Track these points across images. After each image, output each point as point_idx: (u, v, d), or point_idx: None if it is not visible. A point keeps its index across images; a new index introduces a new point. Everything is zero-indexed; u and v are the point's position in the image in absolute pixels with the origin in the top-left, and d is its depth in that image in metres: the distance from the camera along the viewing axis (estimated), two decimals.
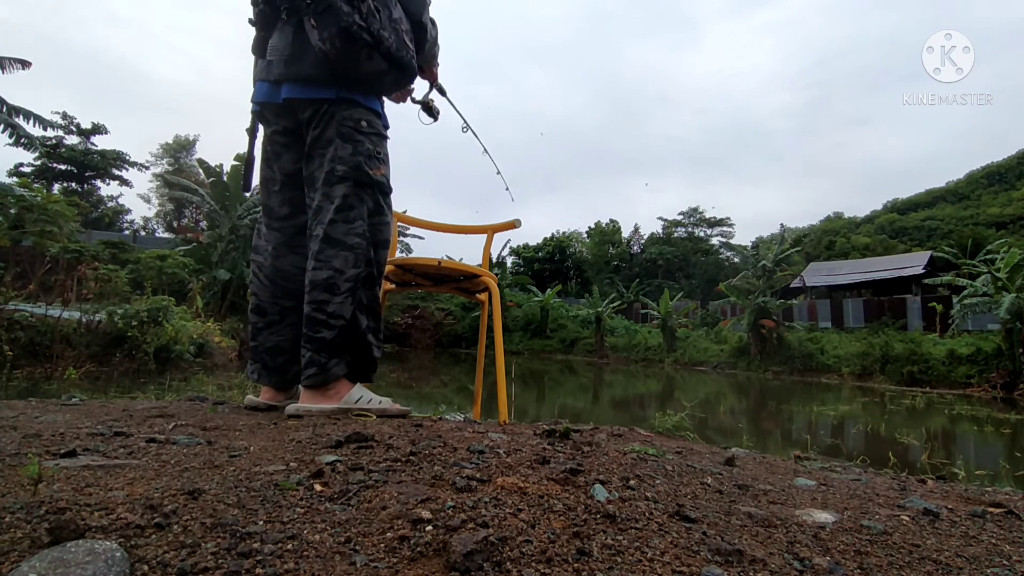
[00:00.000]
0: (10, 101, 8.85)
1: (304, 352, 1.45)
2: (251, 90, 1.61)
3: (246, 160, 1.66)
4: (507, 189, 2.43)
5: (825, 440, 5.91)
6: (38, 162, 23.59)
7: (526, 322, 23.64)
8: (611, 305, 21.57)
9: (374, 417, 1.42)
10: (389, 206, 1.61)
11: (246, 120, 1.61)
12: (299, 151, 1.57)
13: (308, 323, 1.45)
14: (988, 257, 12.31)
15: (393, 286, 2.04)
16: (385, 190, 1.58)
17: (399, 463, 0.88)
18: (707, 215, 42.16)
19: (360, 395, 1.49)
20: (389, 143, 1.65)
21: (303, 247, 1.57)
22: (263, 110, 1.58)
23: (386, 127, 1.64)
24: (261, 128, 1.63)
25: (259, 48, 1.59)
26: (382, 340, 1.60)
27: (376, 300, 1.56)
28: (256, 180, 1.69)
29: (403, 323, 22.29)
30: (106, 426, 1.17)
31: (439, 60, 1.88)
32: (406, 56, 1.53)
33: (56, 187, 24.71)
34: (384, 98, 1.68)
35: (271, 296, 1.59)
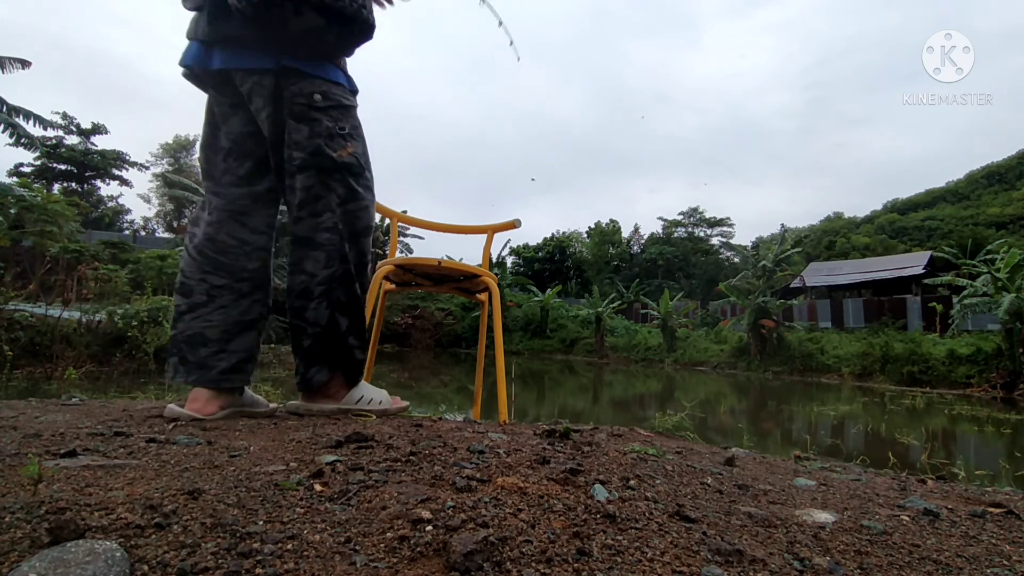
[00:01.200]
0: (10, 101, 8.86)
1: (295, 360, 1.38)
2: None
3: None
4: (512, 44, 2.12)
5: (825, 440, 5.91)
6: (38, 162, 23.62)
7: (526, 322, 23.65)
8: (611, 305, 21.57)
9: (373, 417, 1.40)
10: (367, 187, 1.39)
11: None
12: (247, 114, 1.36)
13: (292, 331, 1.37)
14: (988, 257, 12.32)
15: (393, 286, 2.04)
16: (356, 171, 1.36)
17: (399, 463, 0.88)
18: (707, 215, 42.19)
19: (361, 394, 1.42)
20: (361, 111, 1.41)
21: (247, 218, 1.38)
22: (199, 75, 1.36)
23: (354, 92, 1.41)
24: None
25: None
26: (367, 339, 1.45)
27: (355, 297, 1.38)
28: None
29: (403, 323, 22.30)
30: (106, 426, 1.17)
31: None
32: (349, 7, 1.27)
33: (56, 187, 24.72)
34: (342, 59, 1.42)
35: (198, 271, 1.34)
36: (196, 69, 1.34)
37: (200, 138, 1.44)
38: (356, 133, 1.38)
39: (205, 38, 1.29)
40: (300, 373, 1.36)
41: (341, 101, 1.36)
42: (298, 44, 1.28)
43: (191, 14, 1.36)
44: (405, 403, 1.52)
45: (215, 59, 1.30)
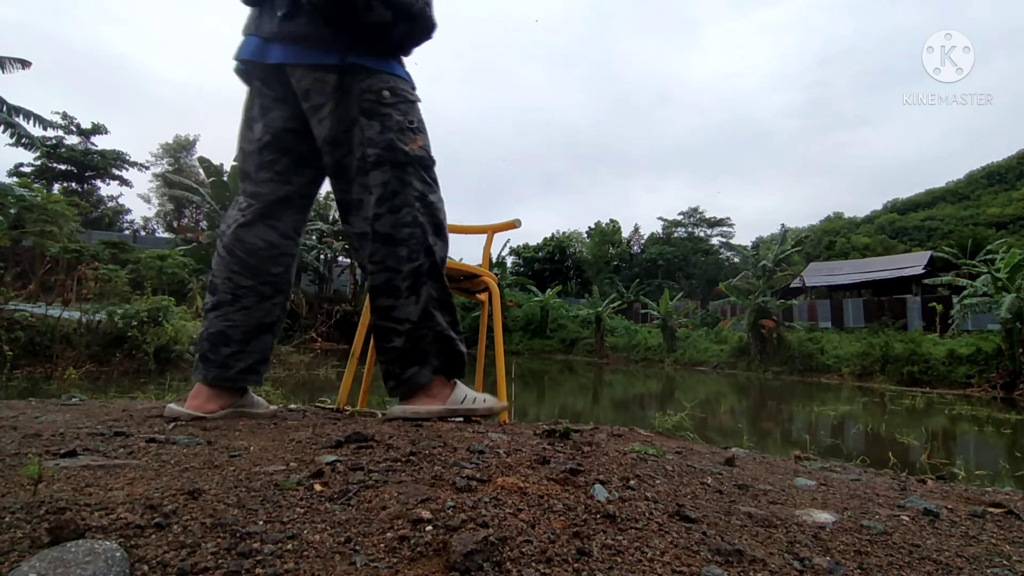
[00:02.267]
0: (10, 101, 8.86)
1: (381, 364, 1.34)
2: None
3: None
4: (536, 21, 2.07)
5: (825, 440, 5.91)
6: (38, 162, 23.60)
7: (526, 322, 23.64)
8: (611, 305, 21.57)
9: (481, 421, 1.33)
10: (436, 180, 1.38)
11: None
12: (289, 110, 1.36)
13: (377, 333, 1.32)
14: (988, 257, 12.32)
15: None
16: (427, 164, 1.36)
17: (399, 463, 0.88)
18: (707, 215, 42.20)
19: (464, 394, 1.36)
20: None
21: (277, 220, 1.39)
22: (249, 69, 1.36)
23: (413, 88, 1.41)
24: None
25: None
26: (461, 333, 1.40)
27: (447, 291, 1.36)
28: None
29: None
30: (106, 426, 1.17)
31: None
32: (416, 3, 1.28)
33: (56, 187, 24.71)
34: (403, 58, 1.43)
35: (225, 271, 1.35)
36: (250, 63, 1.33)
37: (238, 133, 1.43)
38: (423, 127, 1.38)
39: (266, 34, 1.29)
40: (395, 376, 1.31)
41: (407, 96, 1.36)
42: (363, 41, 1.29)
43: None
44: (504, 403, 1.47)
45: (273, 54, 1.29)
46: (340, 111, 1.30)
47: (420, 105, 1.41)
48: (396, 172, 1.30)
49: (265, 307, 1.38)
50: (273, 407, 1.50)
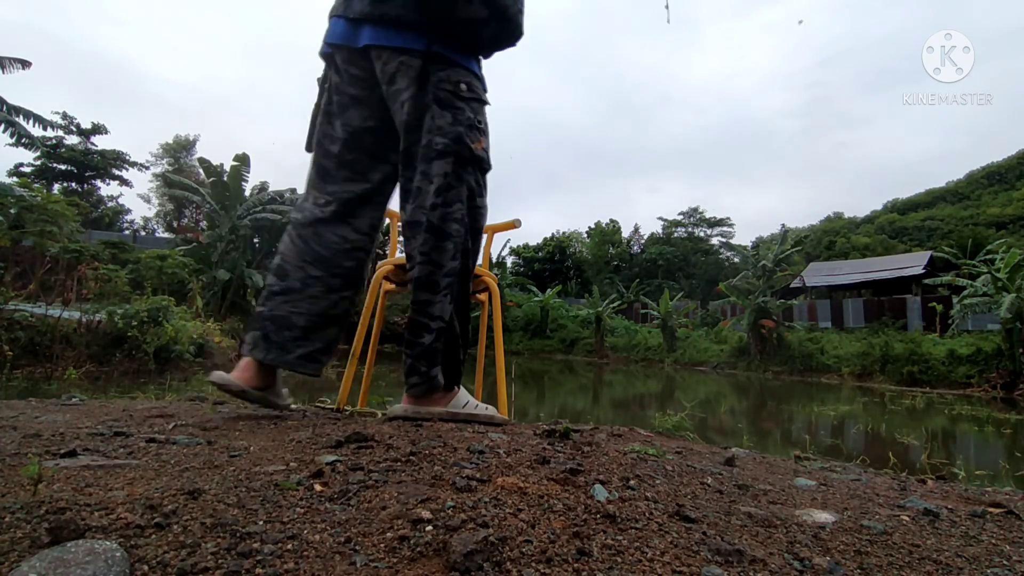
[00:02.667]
0: (10, 101, 8.86)
1: (405, 357, 1.32)
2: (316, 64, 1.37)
3: (314, 114, 1.44)
4: (667, 7, 2.09)
5: (825, 440, 5.91)
6: (38, 162, 23.60)
7: (526, 322, 23.64)
8: (611, 305, 21.57)
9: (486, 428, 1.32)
10: (486, 186, 1.39)
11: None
12: (371, 106, 1.36)
13: (410, 326, 1.31)
14: (988, 257, 12.32)
15: (393, 286, 2.04)
16: (484, 167, 1.36)
17: (399, 463, 0.88)
18: (707, 215, 42.20)
19: (467, 400, 1.37)
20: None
21: (355, 218, 1.39)
22: (335, 53, 1.35)
23: (485, 91, 1.41)
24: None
25: None
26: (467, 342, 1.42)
27: (468, 298, 1.38)
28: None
29: (403, 323, 22.24)
30: (106, 426, 1.17)
31: None
32: (512, 7, 1.29)
33: (56, 187, 24.70)
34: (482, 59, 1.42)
35: (298, 258, 1.37)
36: (336, 47, 1.32)
37: (317, 129, 1.42)
38: (487, 130, 1.38)
39: (357, 15, 1.28)
40: (419, 372, 1.30)
41: (480, 95, 1.37)
42: (453, 33, 1.29)
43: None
44: (505, 416, 1.47)
45: (363, 36, 1.28)
46: (418, 97, 1.29)
47: (488, 109, 1.42)
48: (457, 166, 1.30)
49: (332, 299, 1.38)
50: (293, 403, 1.51)
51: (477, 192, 1.35)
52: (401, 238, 1.42)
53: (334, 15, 1.34)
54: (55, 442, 0.98)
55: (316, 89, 1.46)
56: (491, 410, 1.41)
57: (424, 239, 1.29)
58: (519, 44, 1.41)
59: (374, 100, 1.35)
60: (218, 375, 1.31)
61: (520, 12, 1.33)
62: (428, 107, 1.29)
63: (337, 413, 1.65)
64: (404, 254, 1.38)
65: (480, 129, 1.34)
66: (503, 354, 1.97)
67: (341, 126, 1.37)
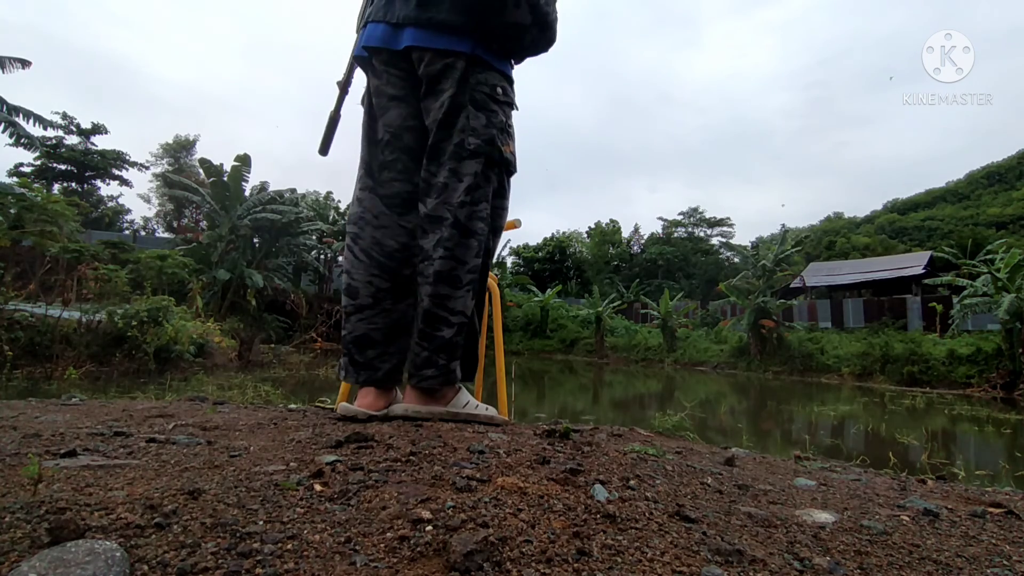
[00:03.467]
0: (10, 101, 8.86)
1: (419, 351, 1.31)
2: (345, 56, 1.38)
3: (331, 118, 1.44)
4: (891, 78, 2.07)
5: (825, 440, 5.91)
6: (38, 162, 23.60)
7: (526, 322, 23.64)
8: (611, 305, 21.57)
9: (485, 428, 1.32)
10: (510, 188, 1.41)
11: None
12: (411, 106, 1.37)
13: (427, 319, 1.31)
14: (988, 257, 12.31)
15: None
16: (512, 170, 1.39)
17: (399, 463, 0.88)
18: (707, 215, 42.20)
19: (467, 400, 1.37)
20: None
21: (408, 221, 1.39)
22: (373, 57, 1.35)
23: (514, 95, 1.43)
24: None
25: None
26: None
27: (483, 296, 1.39)
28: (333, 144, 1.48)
29: None
30: (106, 426, 1.17)
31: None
32: (552, 14, 1.33)
33: (56, 187, 24.70)
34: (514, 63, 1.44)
35: (365, 274, 1.36)
36: (375, 51, 1.33)
37: (362, 132, 1.44)
38: (514, 135, 1.41)
39: (398, 19, 1.29)
40: (436, 364, 1.30)
41: (512, 100, 1.40)
42: (495, 37, 1.32)
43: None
44: (505, 416, 1.48)
45: (405, 38, 1.29)
46: (456, 97, 1.31)
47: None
48: (486, 167, 1.32)
49: (401, 308, 1.39)
50: (407, 405, 1.52)
51: (499, 193, 1.37)
52: None
53: (372, 19, 1.34)
54: (55, 442, 0.98)
55: (332, 92, 1.46)
56: (491, 411, 1.41)
57: (449, 234, 1.29)
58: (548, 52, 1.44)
59: (413, 100, 1.36)
60: (344, 407, 1.34)
61: (556, 20, 1.36)
62: (463, 107, 1.31)
63: (336, 415, 1.65)
64: (419, 245, 1.37)
65: (510, 133, 1.37)
66: (503, 354, 1.97)
67: (383, 127, 1.38)
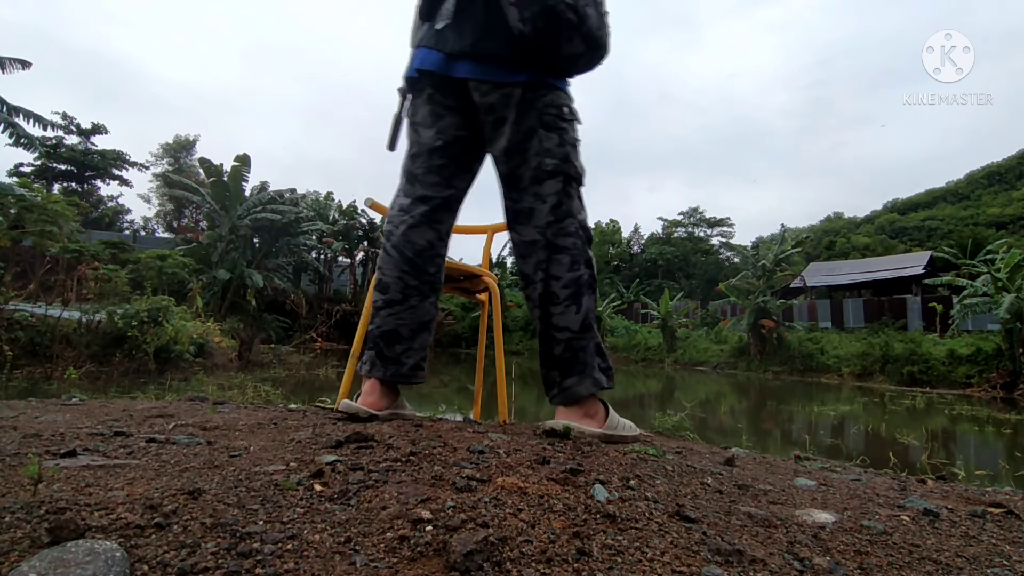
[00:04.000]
0: (10, 101, 8.86)
1: (544, 372, 1.35)
2: (404, 69, 1.41)
3: (396, 118, 1.46)
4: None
5: (825, 440, 5.91)
6: (38, 162, 23.57)
7: (526, 322, 23.61)
8: (611, 305, 21.57)
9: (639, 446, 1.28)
10: (583, 199, 1.43)
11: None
12: (461, 117, 1.39)
13: (541, 339, 1.35)
14: (988, 257, 12.32)
15: None
16: (583, 183, 1.41)
17: (399, 463, 0.88)
18: (707, 215, 42.19)
19: (618, 420, 1.36)
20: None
21: (439, 223, 1.42)
22: (424, 79, 1.38)
23: None
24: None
25: (427, 9, 1.36)
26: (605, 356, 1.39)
27: (595, 309, 1.38)
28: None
29: None
30: (106, 426, 1.17)
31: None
32: (604, 36, 1.35)
33: (56, 187, 24.69)
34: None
35: (395, 270, 1.40)
36: (428, 74, 1.35)
37: (407, 139, 1.46)
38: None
39: (452, 50, 1.31)
40: (555, 384, 1.32)
41: (577, 116, 1.42)
42: (552, 65, 1.34)
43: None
44: (639, 430, 1.47)
45: (460, 69, 1.32)
46: (520, 123, 1.33)
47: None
48: (565, 184, 1.35)
49: (425, 306, 1.42)
50: (419, 414, 1.50)
51: (581, 207, 1.40)
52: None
53: (423, 46, 1.36)
54: (55, 442, 0.98)
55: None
56: (635, 429, 1.40)
57: (543, 256, 1.32)
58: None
59: (466, 113, 1.39)
60: (346, 404, 1.34)
61: (609, 35, 1.37)
62: (534, 131, 1.33)
63: (337, 413, 1.65)
64: (522, 272, 1.40)
65: (578, 149, 1.40)
66: (503, 354, 1.97)
67: (435, 134, 1.40)
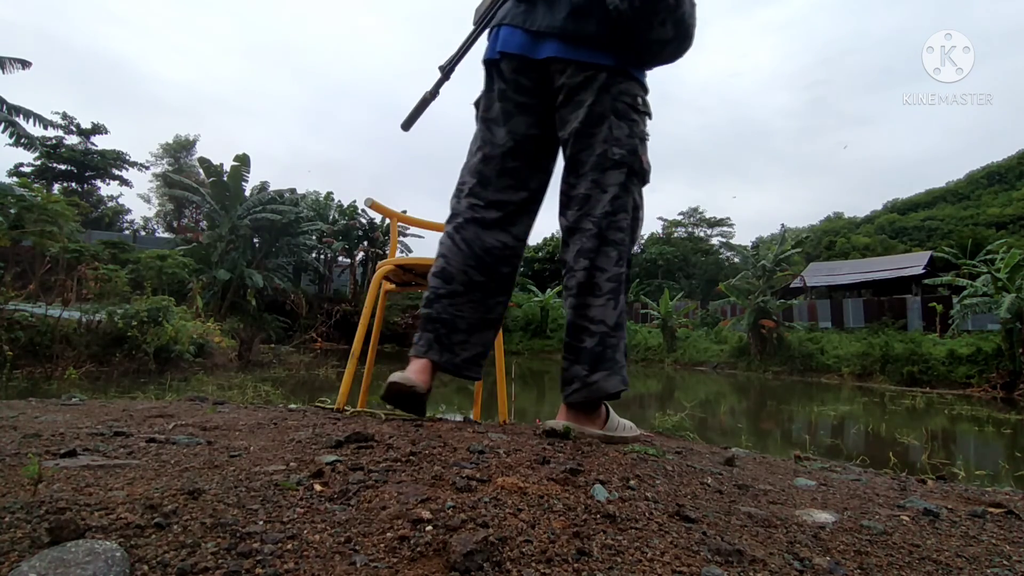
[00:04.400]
0: (10, 101, 8.86)
1: (567, 365, 1.30)
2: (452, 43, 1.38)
3: (424, 98, 1.44)
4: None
5: (825, 440, 5.91)
6: (38, 162, 23.56)
7: (526, 322, 23.64)
8: None
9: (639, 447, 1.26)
10: (643, 197, 1.40)
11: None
12: (537, 114, 1.36)
13: (571, 331, 1.30)
14: (988, 257, 12.32)
15: (393, 286, 2.04)
16: (647, 180, 1.38)
17: (399, 463, 0.88)
18: (707, 215, 42.19)
19: (618, 420, 1.35)
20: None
21: (513, 226, 1.40)
22: (503, 61, 1.33)
23: None
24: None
25: None
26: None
27: (624, 307, 1.34)
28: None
29: (403, 323, 22.27)
30: (106, 426, 1.17)
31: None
32: (693, 25, 1.32)
33: (56, 187, 24.67)
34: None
35: (462, 262, 1.36)
36: (510, 56, 1.32)
37: (476, 133, 1.43)
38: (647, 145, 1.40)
39: (541, 28, 1.27)
40: (580, 377, 1.27)
41: (649, 111, 1.39)
42: (638, 50, 1.31)
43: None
44: (640, 431, 1.47)
45: (546, 49, 1.28)
46: (594, 107, 1.29)
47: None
48: (628, 177, 1.31)
49: (490, 304, 1.40)
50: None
51: (639, 204, 1.36)
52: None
53: (506, 23, 1.33)
54: (55, 442, 0.98)
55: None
56: (635, 429, 1.40)
57: (591, 245, 1.29)
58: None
59: (540, 110, 1.36)
60: (400, 375, 1.28)
61: (695, 26, 1.34)
62: (605, 117, 1.29)
63: (337, 413, 1.65)
64: (563, 259, 1.37)
65: (646, 143, 1.36)
66: (503, 354, 1.97)
67: (506, 134, 1.37)
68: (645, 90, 1.37)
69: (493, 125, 1.38)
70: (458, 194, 1.43)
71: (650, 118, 1.39)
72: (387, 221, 1.60)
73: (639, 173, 1.34)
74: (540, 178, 1.44)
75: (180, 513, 0.63)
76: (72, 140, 25.24)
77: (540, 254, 37.34)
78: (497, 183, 1.39)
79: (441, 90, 1.47)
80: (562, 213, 1.37)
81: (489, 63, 1.39)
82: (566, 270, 1.34)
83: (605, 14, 1.23)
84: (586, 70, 1.28)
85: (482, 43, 1.44)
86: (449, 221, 1.43)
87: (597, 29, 1.25)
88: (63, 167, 25.10)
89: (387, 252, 2.20)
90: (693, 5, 1.31)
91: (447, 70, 1.44)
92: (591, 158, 1.30)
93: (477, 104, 1.44)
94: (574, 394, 1.27)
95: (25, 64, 9.15)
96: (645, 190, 1.40)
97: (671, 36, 1.29)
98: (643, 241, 42.71)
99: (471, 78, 1.49)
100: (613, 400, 1.32)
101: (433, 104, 1.52)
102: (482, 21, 1.41)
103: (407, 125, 1.47)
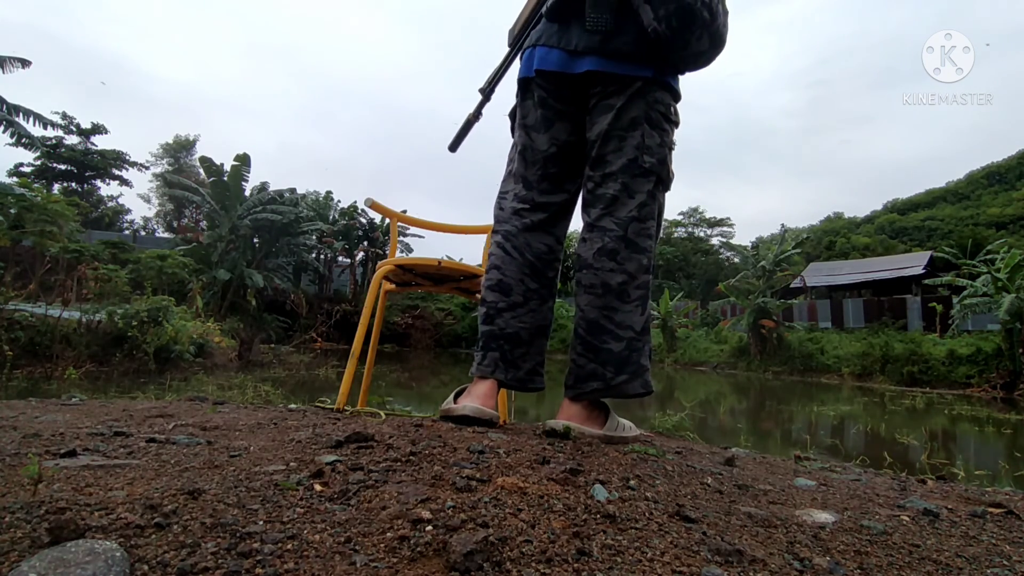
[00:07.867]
0: (10, 100, 8.87)
1: (584, 362, 1.29)
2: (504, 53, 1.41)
3: (468, 120, 1.48)
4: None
5: (825, 440, 5.91)
6: (38, 162, 23.56)
7: None
8: None
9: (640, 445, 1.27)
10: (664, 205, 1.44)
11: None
12: (572, 122, 1.39)
13: (592, 330, 1.30)
14: (988, 257, 12.34)
15: (393, 286, 2.04)
16: (669, 189, 1.41)
17: (399, 463, 0.88)
18: (707, 215, 42.20)
19: (618, 421, 1.35)
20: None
21: (555, 228, 1.43)
22: (540, 78, 1.37)
23: None
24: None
25: (559, 10, 1.32)
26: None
27: (648, 315, 1.37)
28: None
29: (403, 323, 22.29)
30: (106, 426, 1.17)
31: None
32: (726, 33, 1.34)
33: (56, 187, 24.66)
34: None
35: (517, 271, 1.37)
36: (547, 74, 1.35)
37: (516, 141, 1.46)
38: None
39: (578, 48, 1.30)
40: (601, 377, 1.27)
41: (679, 120, 1.41)
42: (674, 61, 1.34)
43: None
44: (640, 430, 1.47)
45: (584, 64, 1.31)
46: (626, 109, 1.32)
47: None
48: (655, 186, 1.34)
49: (544, 310, 1.41)
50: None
51: (661, 212, 1.39)
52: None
53: (545, 43, 1.35)
54: (55, 442, 0.98)
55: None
56: (635, 429, 1.40)
57: (619, 247, 1.30)
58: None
59: (580, 118, 1.39)
60: (472, 406, 1.27)
61: (728, 31, 1.35)
62: (638, 123, 1.31)
63: (337, 413, 1.65)
64: (578, 254, 1.37)
65: (672, 153, 1.39)
66: None
67: (548, 139, 1.40)
68: (677, 98, 1.39)
69: (533, 132, 1.41)
70: (501, 201, 1.46)
71: (678, 127, 1.41)
72: (387, 221, 1.61)
73: (664, 182, 1.37)
74: (577, 181, 1.46)
75: (180, 513, 0.63)
76: (72, 140, 25.24)
77: None
78: (540, 186, 1.42)
79: (484, 111, 1.50)
80: (585, 210, 1.38)
81: (525, 80, 1.41)
82: (581, 264, 1.34)
83: (641, 31, 1.25)
84: (623, 81, 1.31)
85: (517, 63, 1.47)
86: (496, 231, 1.45)
87: (635, 47, 1.28)
88: (63, 167, 25.09)
89: (387, 252, 2.20)
90: (727, 14, 1.32)
91: (487, 91, 1.47)
92: (620, 160, 1.32)
93: (512, 115, 1.47)
94: (593, 392, 1.28)
95: (25, 63, 9.15)
96: None
97: (707, 47, 1.31)
98: None
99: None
100: (634, 400, 1.34)
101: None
102: (517, 42, 1.44)
103: (454, 147, 1.51)
